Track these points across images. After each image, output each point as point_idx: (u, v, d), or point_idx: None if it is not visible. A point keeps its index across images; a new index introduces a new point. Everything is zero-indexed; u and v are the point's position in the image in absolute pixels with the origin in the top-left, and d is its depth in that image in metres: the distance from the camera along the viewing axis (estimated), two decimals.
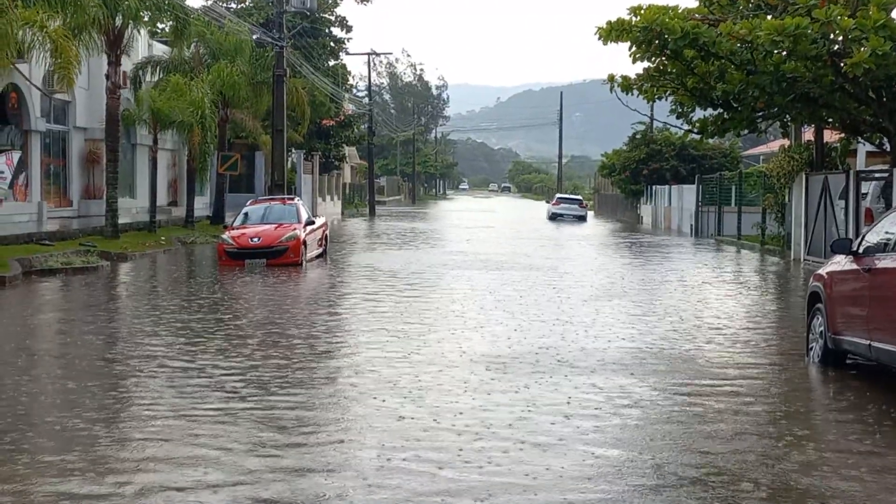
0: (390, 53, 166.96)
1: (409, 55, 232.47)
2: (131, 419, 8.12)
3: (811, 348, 10.78)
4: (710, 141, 39.88)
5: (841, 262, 10.41)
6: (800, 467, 6.80)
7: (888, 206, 20.23)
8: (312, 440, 7.38)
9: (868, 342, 9.25)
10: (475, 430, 7.67)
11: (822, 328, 10.43)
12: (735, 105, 20.76)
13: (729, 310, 15.63)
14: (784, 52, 18.28)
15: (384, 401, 8.65)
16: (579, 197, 64.03)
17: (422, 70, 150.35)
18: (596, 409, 8.44)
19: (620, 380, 9.64)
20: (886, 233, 9.73)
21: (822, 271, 10.87)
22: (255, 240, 22.70)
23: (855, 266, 9.86)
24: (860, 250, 9.92)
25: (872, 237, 9.97)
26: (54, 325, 13.96)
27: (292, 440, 7.35)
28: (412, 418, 8.03)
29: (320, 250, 25.27)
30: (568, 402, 8.64)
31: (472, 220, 52.39)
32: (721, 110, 21.55)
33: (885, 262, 9.20)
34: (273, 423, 7.86)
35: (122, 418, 8.16)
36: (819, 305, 10.58)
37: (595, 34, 20.04)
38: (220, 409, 8.34)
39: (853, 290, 9.87)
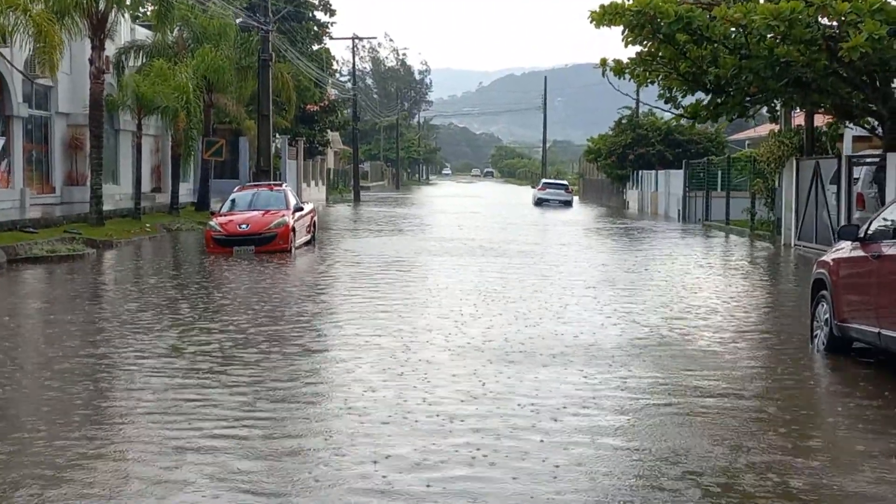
0: (374, 38, 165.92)
1: (391, 40, 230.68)
2: (112, 410, 7.91)
3: (815, 336, 10.66)
4: (698, 126, 39.87)
5: (846, 249, 10.28)
6: (808, 459, 6.67)
7: (881, 191, 20.19)
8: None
9: (878, 330, 9.12)
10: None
11: (827, 315, 10.30)
12: (728, 90, 20.64)
13: (725, 297, 15.50)
14: (778, 37, 18.14)
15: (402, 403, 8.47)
16: (565, 182, 63.89)
17: (405, 55, 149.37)
18: (594, 400, 8.30)
19: (620, 370, 9.49)
20: (890, 219, 9.59)
21: (827, 258, 10.73)
22: (244, 226, 22.41)
23: (862, 253, 9.73)
24: (867, 237, 9.78)
25: (879, 223, 9.84)
26: (45, 314, 13.70)
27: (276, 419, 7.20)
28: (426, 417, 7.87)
29: (309, 237, 25.03)
30: (569, 395, 8.51)
31: (458, 205, 52.19)
32: (713, 95, 21.43)
33: (895, 248, 9.05)
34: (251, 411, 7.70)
35: (103, 409, 7.96)
36: (824, 293, 10.44)
37: (588, 18, 19.87)
38: (209, 397, 8.16)
39: (861, 277, 9.73)
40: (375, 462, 6.49)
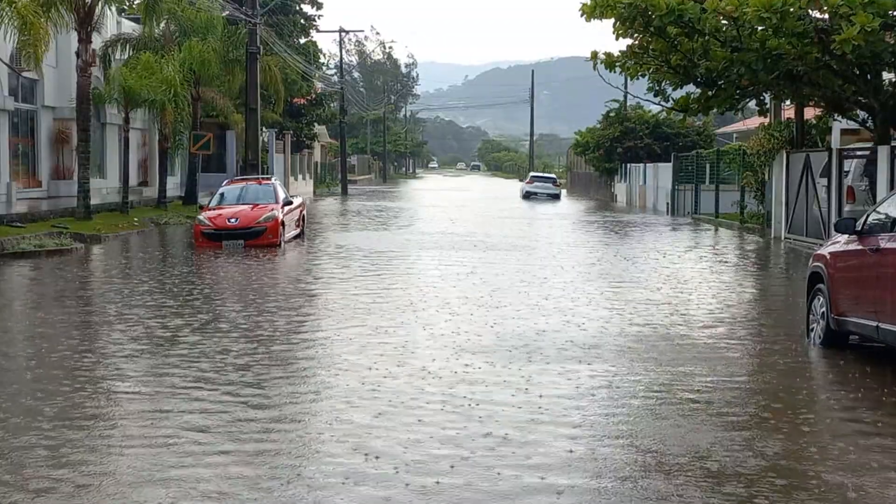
0: (361, 31, 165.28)
1: (378, 33, 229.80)
2: (102, 408, 7.82)
3: (812, 329, 10.62)
4: (688, 119, 39.78)
5: (842, 242, 10.24)
6: (805, 455, 6.63)
7: (871, 184, 20.19)
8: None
9: (876, 323, 9.08)
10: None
11: (823, 309, 10.26)
12: (719, 83, 20.59)
13: (718, 290, 15.48)
14: (770, 29, 18.10)
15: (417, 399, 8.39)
16: (553, 175, 63.85)
17: (391, 48, 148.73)
18: (593, 395, 8.26)
19: (616, 366, 9.44)
20: (889, 213, 9.56)
21: (823, 251, 10.69)
22: (233, 220, 22.28)
23: (859, 246, 9.69)
24: (864, 230, 9.73)
25: (876, 216, 9.81)
26: (32, 310, 13.56)
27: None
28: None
29: (298, 231, 24.90)
30: (577, 389, 8.46)
31: (446, 199, 52.07)
32: (704, 88, 21.36)
33: (893, 242, 9.01)
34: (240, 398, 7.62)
35: (91, 408, 7.86)
36: (820, 286, 10.40)
37: (579, 11, 19.81)
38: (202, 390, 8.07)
39: (859, 270, 9.69)
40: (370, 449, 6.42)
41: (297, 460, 6.45)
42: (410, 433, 7.03)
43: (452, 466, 6.28)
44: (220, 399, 8.03)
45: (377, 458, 6.44)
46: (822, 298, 10.35)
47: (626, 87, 41.64)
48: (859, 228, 9.83)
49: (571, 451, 6.61)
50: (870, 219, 9.83)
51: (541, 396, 8.10)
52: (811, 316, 10.69)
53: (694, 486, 5.97)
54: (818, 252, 10.93)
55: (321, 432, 7.13)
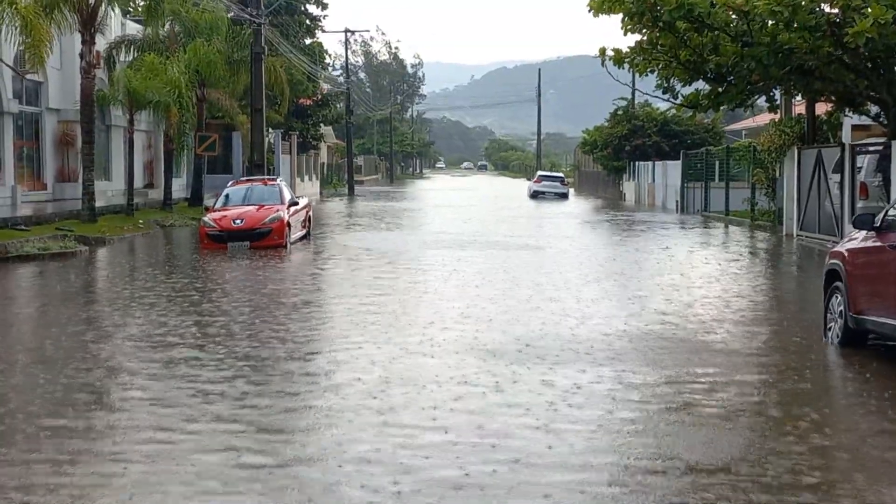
0: (367, 31, 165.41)
1: (383, 33, 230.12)
2: (111, 410, 7.61)
3: (829, 328, 10.36)
4: (698, 115, 39.51)
5: (859, 239, 10.00)
6: (824, 459, 6.40)
7: (885, 180, 19.91)
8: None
9: None
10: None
11: (841, 307, 10.00)
12: (729, 78, 20.33)
13: (731, 289, 15.23)
14: (781, 23, 17.84)
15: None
16: (561, 174, 63.60)
17: (397, 48, 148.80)
18: (610, 397, 8.02)
19: (632, 367, 9.20)
20: None
21: (841, 248, 10.44)
22: (238, 222, 22.03)
23: (878, 243, 9.44)
24: (884, 226, 9.47)
25: (895, 213, 9.54)
26: (34, 315, 13.37)
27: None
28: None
29: (304, 232, 24.66)
30: (579, 389, 8.23)
31: (454, 199, 51.83)
32: (714, 84, 21.10)
33: None
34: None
35: (100, 409, 7.65)
36: (838, 284, 10.14)
37: (586, 6, 19.59)
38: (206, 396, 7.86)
39: (878, 267, 9.43)
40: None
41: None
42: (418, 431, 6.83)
43: (467, 474, 6.07)
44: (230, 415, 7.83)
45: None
46: (839, 297, 10.09)
47: (633, 84, 41.38)
48: (878, 224, 9.57)
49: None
50: (888, 215, 9.58)
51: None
52: (828, 315, 10.43)
53: (718, 494, 5.73)
54: (835, 249, 10.68)
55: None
